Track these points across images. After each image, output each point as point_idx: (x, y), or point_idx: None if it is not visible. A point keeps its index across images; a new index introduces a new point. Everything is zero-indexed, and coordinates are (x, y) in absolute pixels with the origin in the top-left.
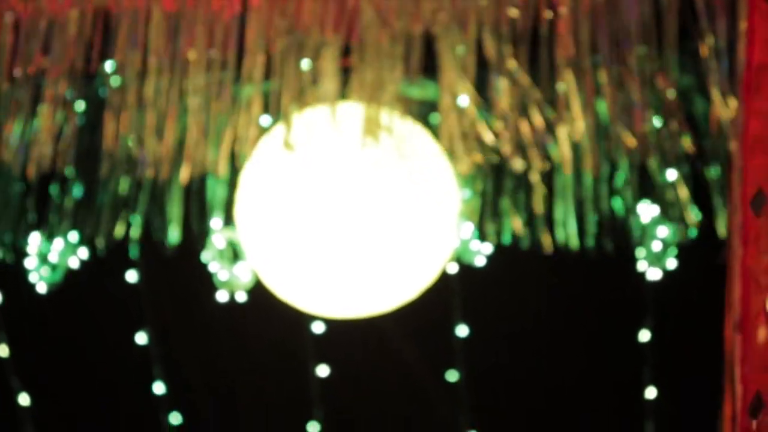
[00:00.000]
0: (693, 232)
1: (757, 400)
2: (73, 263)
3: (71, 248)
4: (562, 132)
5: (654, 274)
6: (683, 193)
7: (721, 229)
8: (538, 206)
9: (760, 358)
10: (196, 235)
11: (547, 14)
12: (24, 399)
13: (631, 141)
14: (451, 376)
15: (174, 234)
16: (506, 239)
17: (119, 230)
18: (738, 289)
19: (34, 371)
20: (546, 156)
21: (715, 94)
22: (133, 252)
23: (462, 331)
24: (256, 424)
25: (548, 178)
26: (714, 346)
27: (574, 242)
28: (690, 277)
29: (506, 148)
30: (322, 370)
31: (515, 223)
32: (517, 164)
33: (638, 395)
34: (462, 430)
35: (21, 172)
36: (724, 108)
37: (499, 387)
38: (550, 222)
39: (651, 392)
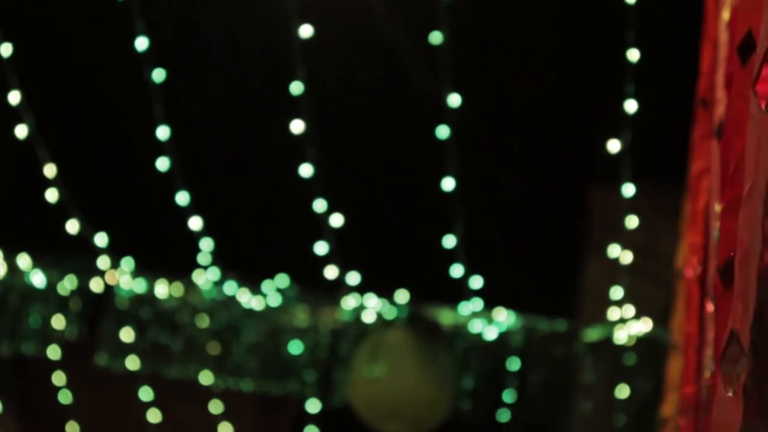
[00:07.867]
0: None
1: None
2: None
3: None
4: None
5: None
6: None
7: None
8: None
9: None
10: None
11: None
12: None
13: None
14: (435, 39)
15: None
16: None
17: None
18: None
19: (34, 71)
20: None
21: None
22: None
23: None
24: (240, 83)
25: None
26: (691, 63)
27: None
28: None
29: None
30: (305, 30)
31: None
32: None
33: (618, 108)
34: (443, 95)
35: None
36: None
37: (484, 52)
38: None
39: (631, 106)
